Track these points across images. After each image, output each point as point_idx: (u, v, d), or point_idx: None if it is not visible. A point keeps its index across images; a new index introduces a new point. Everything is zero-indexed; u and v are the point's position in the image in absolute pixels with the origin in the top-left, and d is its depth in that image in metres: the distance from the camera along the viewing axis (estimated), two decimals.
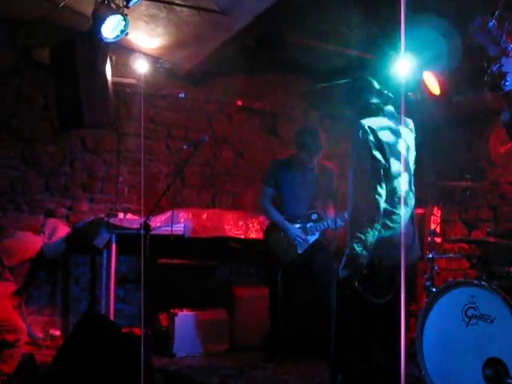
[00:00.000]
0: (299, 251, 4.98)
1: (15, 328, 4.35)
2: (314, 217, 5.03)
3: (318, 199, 5.10)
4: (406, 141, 3.45)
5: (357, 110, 3.48)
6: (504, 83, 2.02)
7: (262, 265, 6.02)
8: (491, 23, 1.97)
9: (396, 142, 3.34)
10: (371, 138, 3.23)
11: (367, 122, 3.29)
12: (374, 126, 3.27)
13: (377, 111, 3.44)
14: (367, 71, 5.89)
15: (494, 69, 1.99)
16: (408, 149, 3.47)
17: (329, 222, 4.94)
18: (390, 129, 3.36)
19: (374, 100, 3.47)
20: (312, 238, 4.99)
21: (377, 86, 3.56)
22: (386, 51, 5.70)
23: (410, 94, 5.66)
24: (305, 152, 4.99)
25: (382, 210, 3.16)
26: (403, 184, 3.31)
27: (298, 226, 5.01)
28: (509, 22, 2.02)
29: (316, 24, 5.46)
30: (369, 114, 3.40)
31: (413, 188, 3.50)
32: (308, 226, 5.00)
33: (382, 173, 3.21)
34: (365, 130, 3.24)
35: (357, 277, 3.19)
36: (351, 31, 5.59)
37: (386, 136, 3.30)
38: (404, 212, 3.30)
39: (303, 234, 4.97)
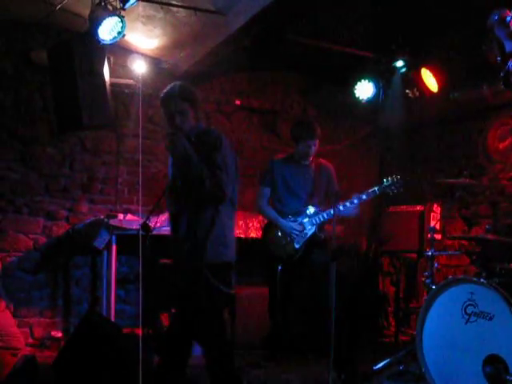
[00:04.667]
0: (296, 246, 4.93)
1: (17, 340, 4.42)
2: (310, 211, 5.01)
3: (315, 197, 5.07)
4: None
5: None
6: None
7: (261, 263, 6.02)
8: (509, 17, 1.96)
9: None
10: None
11: None
12: None
13: None
14: (366, 69, 5.94)
15: (510, 65, 1.98)
16: None
17: (324, 214, 4.91)
18: None
19: None
20: (308, 232, 4.94)
21: None
22: (386, 49, 5.72)
23: (407, 91, 5.68)
24: (302, 143, 4.96)
25: None
26: None
27: (293, 221, 4.99)
28: None
29: (314, 23, 5.46)
30: None
31: None
32: (304, 221, 4.98)
33: None
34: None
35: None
36: (350, 29, 5.60)
37: None
38: None
39: (298, 227, 4.96)
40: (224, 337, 3.68)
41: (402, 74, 5.71)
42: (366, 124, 7.14)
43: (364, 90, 5.93)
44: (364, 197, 4.78)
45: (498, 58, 2.02)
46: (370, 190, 4.76)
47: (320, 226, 4.97)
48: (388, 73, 5.84)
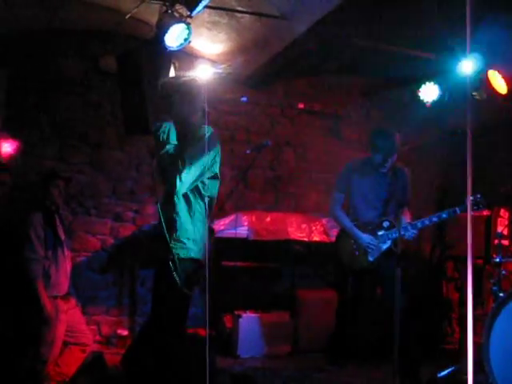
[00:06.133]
0: (370, 259, 4.79)
1: (86, 336, 4.57)
2: (386, 224, 4.82)
3: (390, 204, 4.92)
4: None
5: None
6: None
7: (327, 268, 5.98)
8: None
9: None
10: None
11: None
12: None
13: None
14: (431, 71, 5.84)
15: None
16: None
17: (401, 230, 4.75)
18: None
19: None
20: (384, 246, 4.78)
21: None
22: (452, 51, 5.61)
23: (474, 93, 5.55)
24: (380, 155, 4.79)
25: None
26: None
27: (368, 233, 4.83)
28: None
29: (378, 25, 5.42)
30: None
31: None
32: (379, 233, 4.80)
33: None
34: None
35: None
36: (415, 31, 5.52)
37: None
38: None
39: (375, 241, 4.80)
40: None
41: (469, 76, 5.58)
42: (430, 127, 7.02)
43: (429, 92, 5.82)
44: (444, 215, 4.60)
45: None
46: (451, 210, 4.58)
47: (396, 241, 4.81)
48: (454, 75, 5.72)
